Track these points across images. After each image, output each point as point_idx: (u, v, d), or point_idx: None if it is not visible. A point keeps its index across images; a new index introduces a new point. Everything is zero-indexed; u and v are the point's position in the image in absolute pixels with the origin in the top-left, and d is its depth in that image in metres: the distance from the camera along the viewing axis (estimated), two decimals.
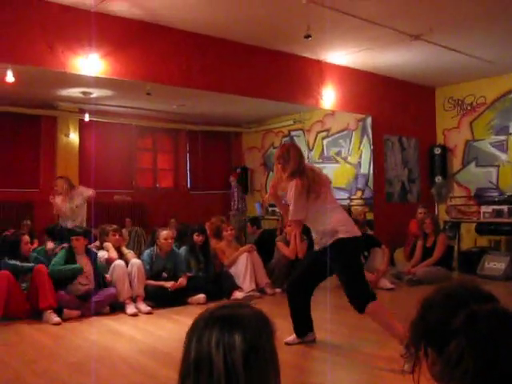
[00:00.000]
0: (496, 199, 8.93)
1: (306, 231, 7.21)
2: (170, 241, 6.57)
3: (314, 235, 4.39)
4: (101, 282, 5.98)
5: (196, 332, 1.26)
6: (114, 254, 6.26)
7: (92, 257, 6.07)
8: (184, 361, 1.27)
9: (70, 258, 5.87)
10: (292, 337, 4.49)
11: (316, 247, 4.36)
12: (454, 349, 1.34)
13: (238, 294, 6.44)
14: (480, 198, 9.69)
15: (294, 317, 4.50)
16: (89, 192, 7.82)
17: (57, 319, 5.34)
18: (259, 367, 1.23)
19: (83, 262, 5.95)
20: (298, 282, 4.53)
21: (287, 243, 7.29)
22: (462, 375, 1.32)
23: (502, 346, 1.32)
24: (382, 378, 3.74)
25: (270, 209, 10.87)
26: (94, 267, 6.00)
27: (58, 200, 7.66)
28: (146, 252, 6.59)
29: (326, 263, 4.14)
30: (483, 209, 8.73)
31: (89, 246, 6.19)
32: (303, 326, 4.53)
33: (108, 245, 6.38)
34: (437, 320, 1.44)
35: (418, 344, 1.48)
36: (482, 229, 8.93)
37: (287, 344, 4.41)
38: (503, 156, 9.72)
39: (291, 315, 4.50)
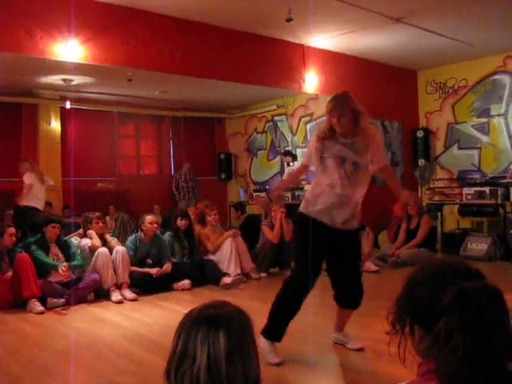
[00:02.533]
0: (478, 181, 9.00)
1: (290, 214, 7.28)
2: (155, 225, 6.56)
3: (343, 212, 3.74)
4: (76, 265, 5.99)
5: (184, 329, 1.38)
6: (97, 241, 6.22)
7: (62, 245, 6.03)
8: (172, 352, 1.39)
9: (44, 247, 5.87)
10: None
11: (339, 225, 3.73)
12: (443, 326, 1.35)
13: (226, 280, 6.44)
14: (462, 180, 9.76)
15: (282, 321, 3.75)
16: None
17: (40, 308, 5.30)
18: (241, 360, 1.34)
19: (55, 249, 5.95)
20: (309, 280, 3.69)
21: (273, 227, 7.31)
22: (451, 352, 1.33)
23: (492, 323, 1.33)
24: (365, 358, 3.78)
25: (255, 194, 10.86)
26: (65, 256, 5.97)
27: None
28: (130, 239, 6.57)
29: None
30: (465, 191, 8.79)
31: (68, 237, 6.20)
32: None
33: (91, 232, 6.34)
34: (425, 297, 1.44)
35: (403, 321, 1.49)
36: (465, 210, 9.01)
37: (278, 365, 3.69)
38: (485, 138, 9.79)
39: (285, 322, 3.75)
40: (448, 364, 1.34)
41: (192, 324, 1.38)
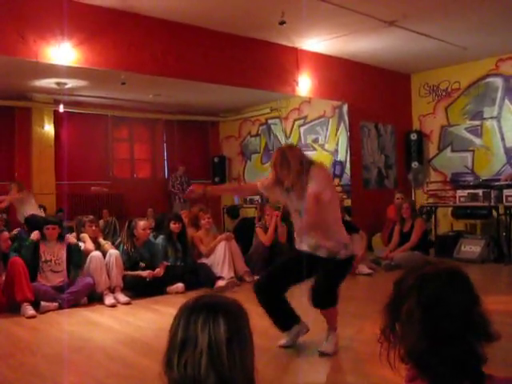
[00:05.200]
0: (471, 183, 9.03)
1: (285, 217, 7.29)
2: (148, 231, 6.57)
3: (311, 239, 3.86)
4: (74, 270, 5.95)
5: (183, 318, 1.38)
6: (90, 245, 6.21)
7: (65, 244, 6.01)
8: (170, 342, 1.38)
9: (35, 248, 5.86)
10: (283, 340, 4.04)
11: (307, 249, 3.90)
12: (405, 307, 1.44)
13: (220, 283, 6.43)
14: (456, 182, 9.79)
15: (270, 315, 3.98)
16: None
17: (31, 312, 5.27)
18: (240, 346, 1.35)
19: (55, 249, 5.92)
20: (266, 282, 4.03)
21: (267, 230, 7.31)
22: (411, 330, 1.41)
23: (448, 301, 1.40)
24: (359, 361, 3.78)
25: (248, 198, 10.87)
26: (68, 255, 5.95)
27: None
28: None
29: (307, 267, 3.79)
30: (459, 193, 8.81)
31: (67, 235, 6.18)
32: (285, 320, 4.04)
33: (85, 236, 6.32)
34: (401, 292, 1.50)
35: (391, 325, 1.52)
36: (458, 213, 9.03)
37: (281, 347, 4.01)
38: (478, 141, 9.83)
39: (267, 314, 3.97)
40: (408, 341, 1.41)
41: (191, 311, 1.39)
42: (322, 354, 3.80)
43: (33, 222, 6.83)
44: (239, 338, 1.37)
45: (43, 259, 5.84)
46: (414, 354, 1.42)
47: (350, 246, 3.90)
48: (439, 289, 1.41)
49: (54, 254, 5.91)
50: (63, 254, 5.95)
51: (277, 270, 4.16)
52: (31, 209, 8.43)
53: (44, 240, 5.92)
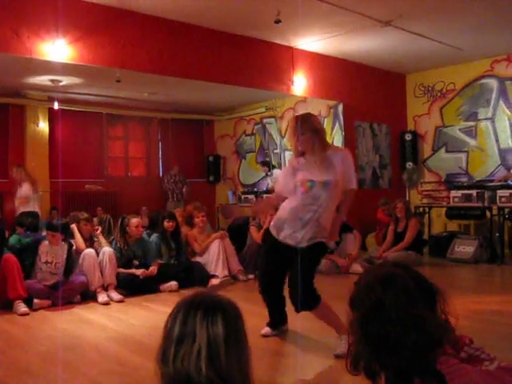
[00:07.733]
0: (465, 184, 9.05)
1: None
2: (140, 228, 6.53)
3: (292, 226, 3.87)
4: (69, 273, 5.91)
5: (180, 313, 1.38)
6: (81, 243, 6.13)
7: (66, 247, 5.94)
8: (167, 336, 1.38)
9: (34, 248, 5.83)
10: (266, 329, 4.30)
11: (290, 242, 3.89)
12: (349, 320, 1.60)
13: (214, 281, 6.43)
14: (450, 183, 9.81)
15: (271, 311, 4.29)
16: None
17: (24, 309, 5.23)
18: (237, 345, 1.37)
19: (58, 252, 5.82)
20: (266, 280, 4.20)
21: (261, 229, 7.30)
22: (355, 339, 1.54)
23: (380, 309, 1.49)
24: None
25: (243, 196, 10.86)
26: (67, 257, 5.90)
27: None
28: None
29: (288, 256, 3.86)
30: (453, 194, 8.82)
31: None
32: (278, 319, 4.33)
33: (76, 235, 6.22)
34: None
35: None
36: (452, 213, 9.05)
37: (264, 336, 4.24)
38: (472, 142, 9.87)
39: (268, 309, 4.28)
40: (354, 350, 1.55)
41: (189, 308, 1.39)
42: (338, 357, 3.69)
43: (32, 225, 6.81)
44: (236, 338, 1.37)
45: (43, 260, 5.78)
46: (358, 362, 1.52)
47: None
48: (371, 299, 1.50)
49: (56, 257, 5.81)
50: (63, 256, 5.84)
51: (269, 267, 4.15)
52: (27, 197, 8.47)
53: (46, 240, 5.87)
